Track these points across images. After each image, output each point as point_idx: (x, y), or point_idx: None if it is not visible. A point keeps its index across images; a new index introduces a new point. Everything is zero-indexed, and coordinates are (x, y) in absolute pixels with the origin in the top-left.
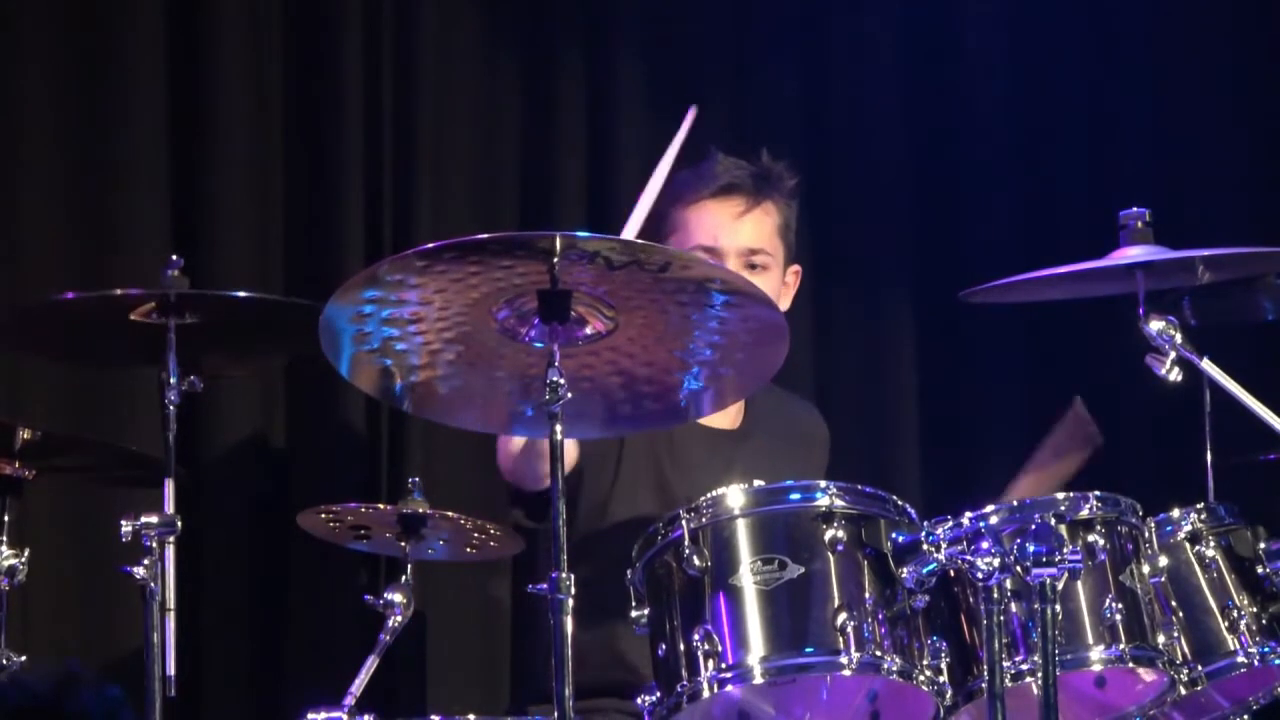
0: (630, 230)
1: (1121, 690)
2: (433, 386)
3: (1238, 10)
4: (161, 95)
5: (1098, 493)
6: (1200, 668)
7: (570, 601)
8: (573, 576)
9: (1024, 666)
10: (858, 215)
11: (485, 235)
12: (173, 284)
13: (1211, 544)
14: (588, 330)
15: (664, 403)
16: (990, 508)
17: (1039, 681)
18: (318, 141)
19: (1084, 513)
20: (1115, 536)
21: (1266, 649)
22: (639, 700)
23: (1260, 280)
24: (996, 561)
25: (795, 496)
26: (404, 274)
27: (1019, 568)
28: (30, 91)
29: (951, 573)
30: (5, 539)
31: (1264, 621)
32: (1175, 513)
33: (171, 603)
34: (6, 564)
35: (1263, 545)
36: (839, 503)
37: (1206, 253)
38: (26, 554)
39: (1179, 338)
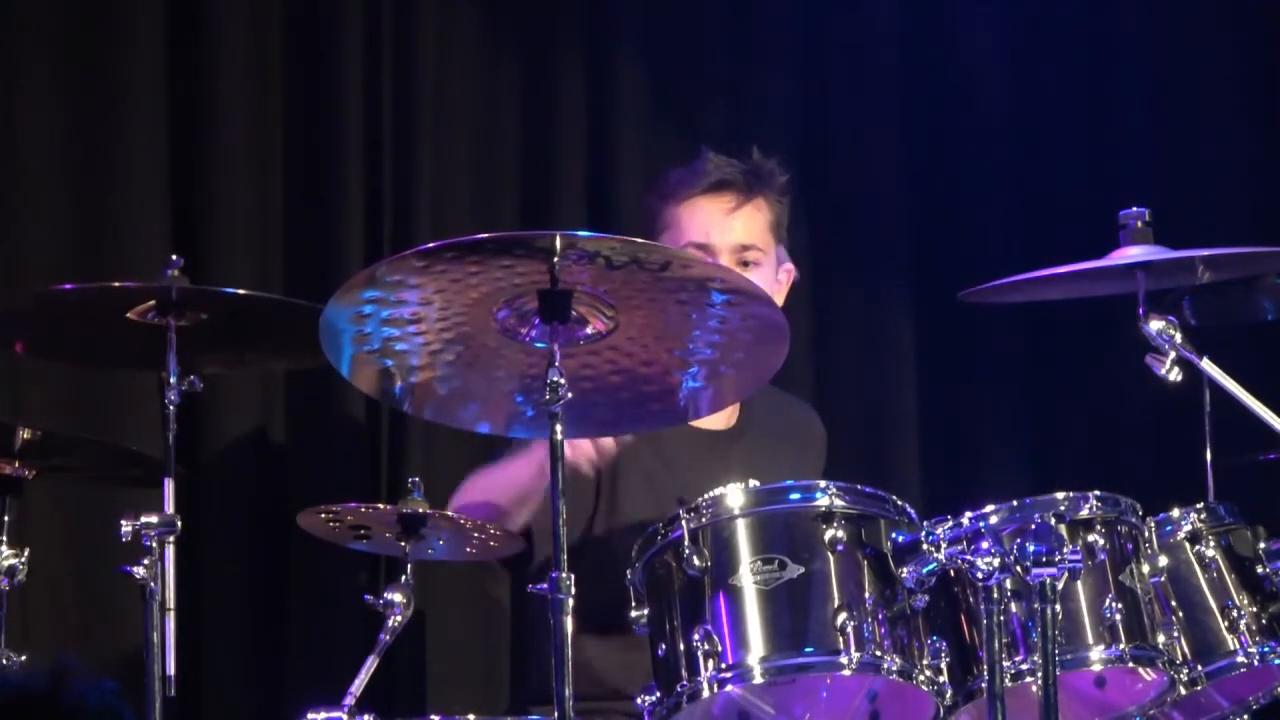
0: None
1: (1121, 690)
2: (433, 386)
3: (1238, 10)
4: (161, 95)
5: (1098, 493)
6: (1200, 667)
7: (570, 602)
8: (572, 577)
9: (1024, 666)
10: (858, 215)
11: (485, 235)
12: (172, 283)
13: (1211, 544)
14: (588, 330)
15: (664, 402)
16: (990, 508)
17: (1039, 681)
18: (318, 141)
19: (1084, 513)
20: (1115, 536)
21: (1266, 649)
22: (639, 700)
23: (1260, 280)
24: (996, 561)
25: (795, 496)
26: (404, 274)
27: (1019, 567)
28: (30, 91)
29: (951, 573)
30: (5, 539)
31: (1264, 621)
32: (1175, 513)
33: (171, 603)
34: (6, 564)
35: (1263, 545)
36: (839, 503)
37: (1206, 253)
38: (26, 554)
39: (1179, 338)
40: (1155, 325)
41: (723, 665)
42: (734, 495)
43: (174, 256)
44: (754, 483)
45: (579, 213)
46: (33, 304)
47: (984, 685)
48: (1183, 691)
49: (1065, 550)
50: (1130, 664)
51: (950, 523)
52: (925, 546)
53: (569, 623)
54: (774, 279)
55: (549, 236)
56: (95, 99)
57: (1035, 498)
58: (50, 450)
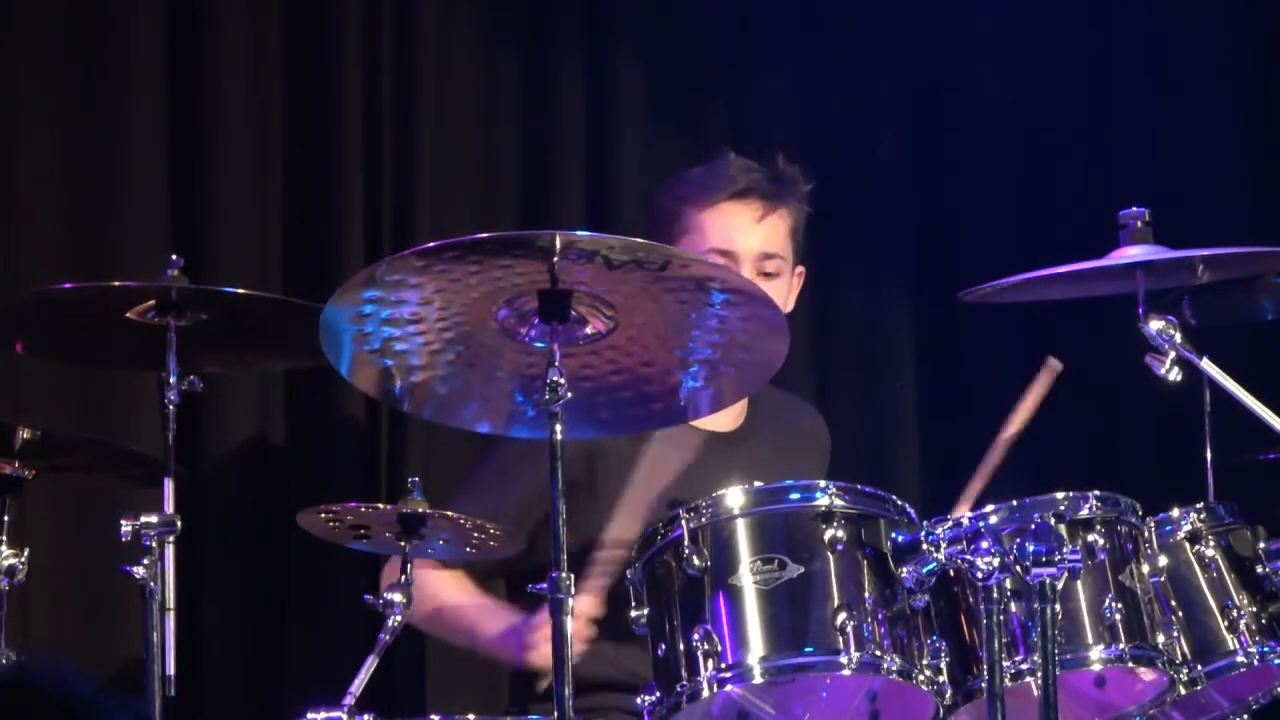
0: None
1: (1121, 690)
2: (432, 386)
3: (1238, 10)
4: (161, 95)
5: (1097, 492)
6: (1200, 667)
7: (570, 602)
8: (573, 577)
9: (1024, 666)
10: (858, 215)
11: (484, 234)
12: (172, 283)
13: (1211, 544)
14: (588, 330)
15: (665, 402)
16: (990, 507)
17: (1039, 681)
18: (318, 141)
19: (1084, 512)
20: (1115, 536)
21: (1266, 649)
22: (639, 700)
23: (1260, 280)
24: (996, 561)
25: (795, 496)
26: (403, 274)
27: (1019, 567)
28: (30, 91)
29: (951, 572)
30: (5, 539)
31: (1264, 621)
32: (1175, 512)
33: (171, 603)
34: (6, 564)
35: (1262, 545)
36: (838, 502)
37: (1206, 253)
38: (26, 554)
39: (1179, 338)
40: (1155, 325)
41: (722, 665)
42: (734, 495)
43: (174, 256)
44: (756, 483)
45: (579, 213)
46: (32, 303)
47: (984, 685)
48: (1182, 691)
49: (1065, 550)
50: (1130, 664)
51: (950, 522)
52: (925, 546)
53: (569, 623)
54: (790, 284)
55: (549, 236)
56: (95, 99)
57: (1035, 498)
58: (50, 450)
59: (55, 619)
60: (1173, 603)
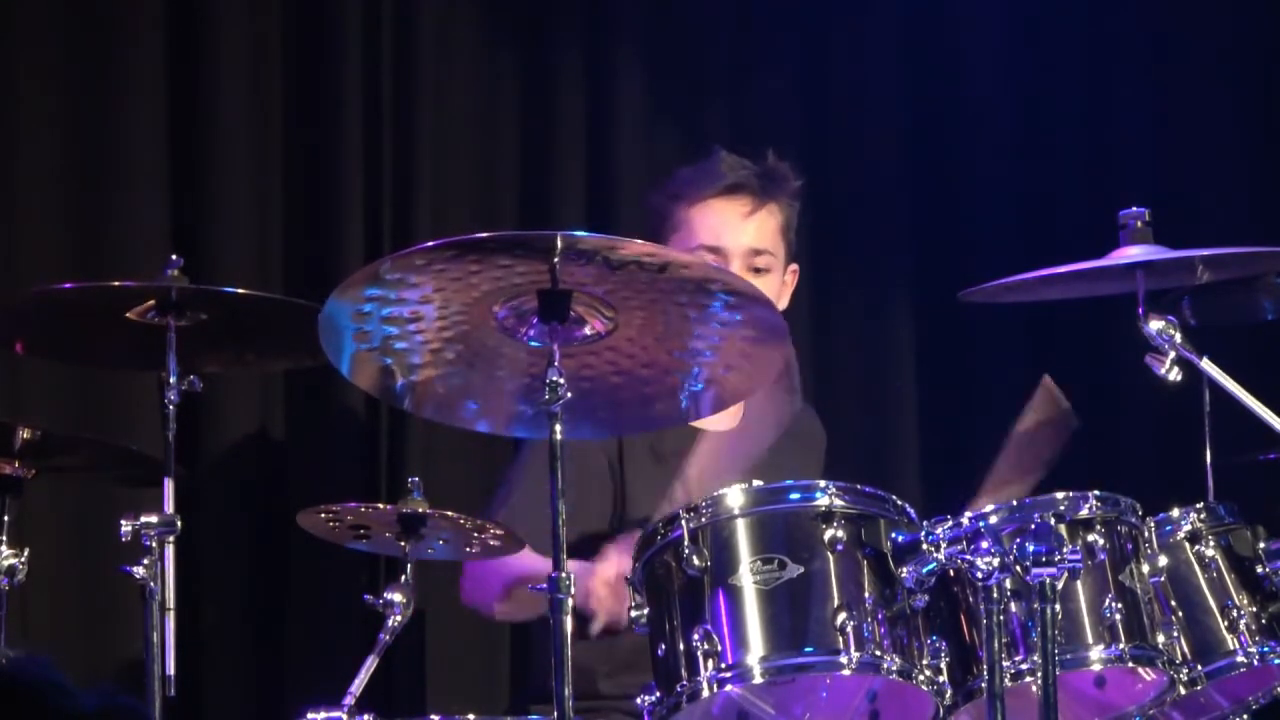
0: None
1: (1121, 690)
2: (433, 385)
3: (1238, 9)
4: (161, 95)
5: (1097, 492)
6: (1200, 667)
7: (570, 601)
8: (572, 576)
9: (1024, 666)
10: (858, 215)
11: (485, 234)
12: (172, 283)
13: (1211, 544)
14: (587, 330)
15: (665, 403)
16: (990, 507)
17: (1039, 681)
18: (318, 141)
19: (1084, 512)
20: (1115, 536)
21: (1266, 649)
22: (638, 700)
23: (1260, 280)
24: (996, 561)
25: (795, 496)
26: (404, 272)
27: (1019, 567)
28: (30, 91)
29: (951, 572)
30: (5, 539)
31: (1264, 621)
32: (1175, 512)
33: (171, 603)
34: (6, 564)
35: (1262, 545)
36: (838, 502)
37: (1206, 253)
38: (26, 554)
39: (1179, 338)
40: (1155, 325)
41: (722, 665)
42: (733, 495)
43: (174, 256)
44: (756, 482)
45: (579, 213)
46: (32, 303)
47: (984, 685)
48: (1182, 691)
49: (1065, 550)
50: (1130, 664)
51: (950, 523)
52: (925, 546)
53: (569, 623)
54: (781, 281)
55: (549, 236)
56: (95, 99)
57: (1035, 498)
58: (50, 450)
59: (55, 619)
60: (1173, 603)
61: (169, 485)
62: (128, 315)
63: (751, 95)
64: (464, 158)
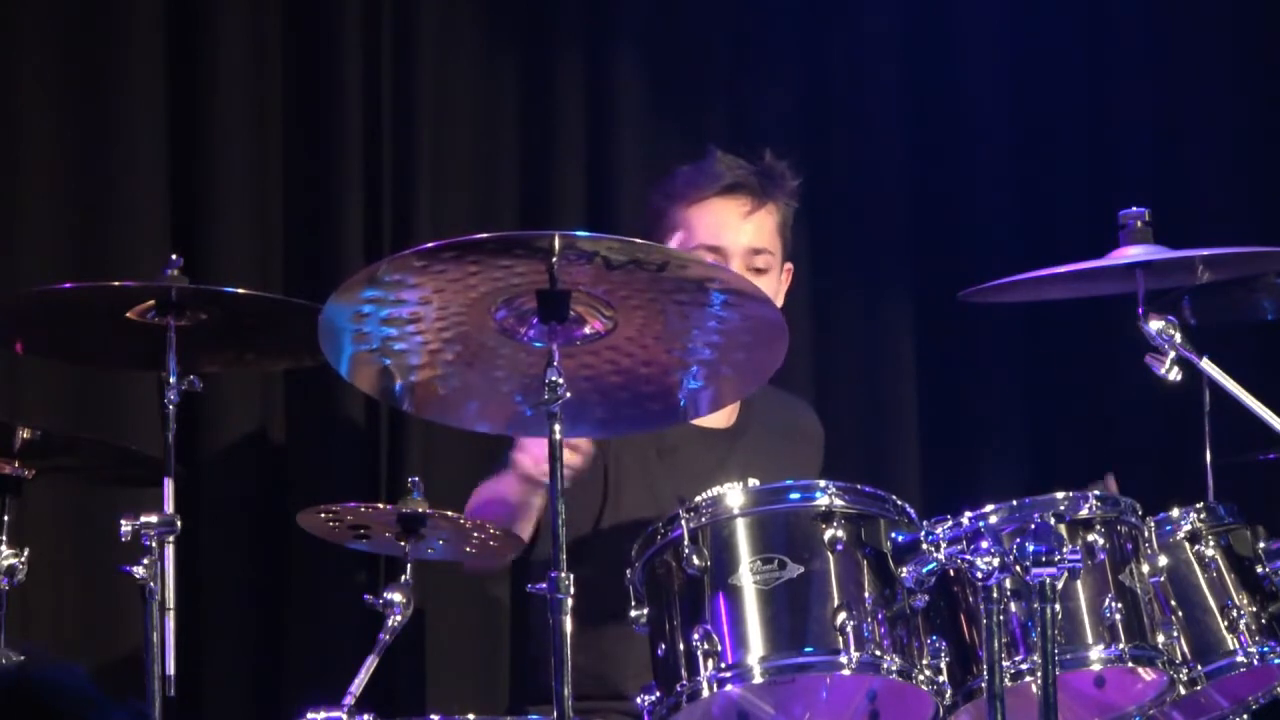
0: None
1: (1121, 690)
2: (432, 386)
3: (1238, 9)
4: (161, 95)
5: (1097, 492)
6: (1200, 667)
7: (570, 601)
8: (571, 576)
9: (1023, 666)
10: (858, 215)
11: (484, 235)
12: (172, 283)
13: (1211, 543)
14: (586, 330)
15: (664, 402)
16: (990, 507)
17: (1038, 681)
18: (318, 141)
19: (1083, 512)
20: (1115, 536)
21: (1266, 648)
22: (638, 700)
23: (1260, 280)
24: (996, 561)
25: (795, 496)
26: (403, 274)
27: (1018, 567)
28: (30, 92)
29: (951, 572)
30: (5, 539)
31: (1263, 621)
32: (1175, 512)
33: (171, 603)
34: (6, 564)
35: (1262, 545)
36: (838, 502)
37: (1206, 252)
38: (26, 554)
39: (1179, 337)
40: (1155, 325)
41: (722, 665)
42: (733, 495)
43: (174, 256)
44: (754, 482)
45: (579, 213)
46: (32, 303)
47: (983, 685)
48: (1182, 691)
49: (1065, 550)
50: (1130, 664)
51: (950, 522)
52: (925, 546)
53: (568, 623)
54: (778, 280)
55: (548, 236)
56: (95, 99)
57: (1035, 497)
58: (50, 450)
59: (55, 619)
60: (1173, 603)
61: (169, 485)
62: (128, 315)
63: (751, 95)
64: (464, 158)
